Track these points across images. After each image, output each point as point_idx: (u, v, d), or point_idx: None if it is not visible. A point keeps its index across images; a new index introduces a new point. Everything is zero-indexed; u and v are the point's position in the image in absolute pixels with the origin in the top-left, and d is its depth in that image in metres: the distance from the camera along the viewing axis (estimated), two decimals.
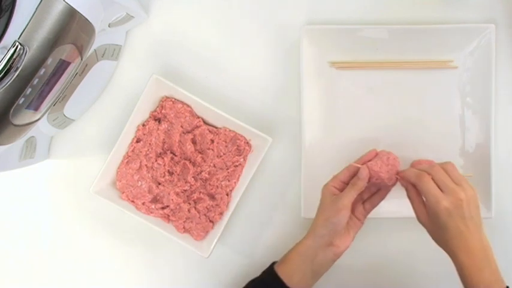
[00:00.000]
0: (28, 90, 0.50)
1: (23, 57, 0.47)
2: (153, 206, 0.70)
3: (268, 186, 0.73)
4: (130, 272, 0.75)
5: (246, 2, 0.72)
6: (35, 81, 0.50)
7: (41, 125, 0.65)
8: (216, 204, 0.70)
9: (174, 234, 0.69)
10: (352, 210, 0.65)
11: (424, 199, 0.59)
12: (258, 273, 0.68)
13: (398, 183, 0.65)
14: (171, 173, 0.70)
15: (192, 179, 0.70)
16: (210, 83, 0.73)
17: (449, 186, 0.57)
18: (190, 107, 0.71)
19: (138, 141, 0.71)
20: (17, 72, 0.48)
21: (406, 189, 0.62)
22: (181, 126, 0.71)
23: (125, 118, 0.69)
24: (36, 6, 0.48)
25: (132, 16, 0.67)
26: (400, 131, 0.71)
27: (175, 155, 0.71)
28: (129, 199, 0.70)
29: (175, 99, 0.70)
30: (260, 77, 0.73)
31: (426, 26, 0.69)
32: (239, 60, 0.73)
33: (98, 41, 0.63)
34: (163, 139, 0.71)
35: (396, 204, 0.69)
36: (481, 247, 0.57)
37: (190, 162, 0.71)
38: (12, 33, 0.47)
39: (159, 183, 0.70)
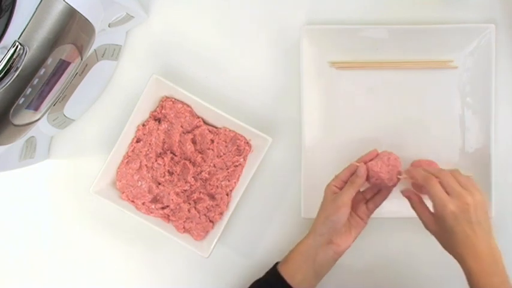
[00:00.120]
0: (28, 90, 0.50)
1: (23, 57, 0.47)
2: (153, 206, 0.70)
3: (268, 186, 0.73)
4: (130, 272, 0.75)
5: (246, 2, 0.72)
6: (35, 81, 0.50)
7: (41, 125, 0.65)
8: (216, 204, 0.70)
9: (174, 234, 0.69)
10: (355, 210, 0.65)
11: (431, 202, 0.58)
12: (258, 273, 0.68)
13: (400, 183, 0.65)
14: (171, 173, 0.70)
15: (192, 179, 0.70)
16: (210, 83, 0.73)
17: (456, 190, 0.57)
18: (190, 107, 0.71)
19: (138, 141, 0.71)
20: (17, 72, 0.48)
21: (409, 199, 0.62)
22: (181, 126, 0.71)
23: (125, 118, 0.69)
24: (36, 6, 0.48)
25: (132, 16, 0.67)
26: (400, 131, 0.71)
27: (175, 155, 0.71)
28: (129, 199, 0.70)
29: (175, 99, 0.70)
30: (260, 77, 0.73)
31: (426, 26, 0.69)
32: (239, 60, 0.73)
33: (98, 41, 0.63)
34: (163, 139, 0.71)
35: (397, 204, 0.69)
36: (489, 252, 0.56)
37: (190, 162, 0.71)
38: (12, 33, 0.47)
39: (159, 183, 0.70)
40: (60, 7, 0.49)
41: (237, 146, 0.70)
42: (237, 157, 0.70)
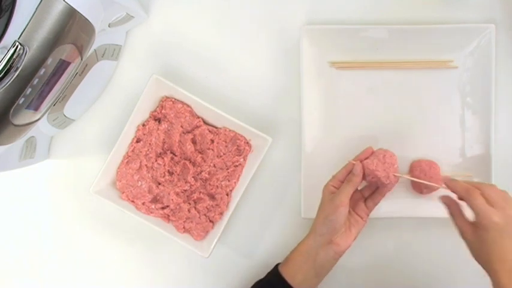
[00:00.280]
0: (28, 90, 0.50)
1: (23, 57, 0.47)
2: (153, 206, 0.70)
3: (268, 186, 0.73)
4: (130, 272, 0.75)
5: (246, 2, 0.72)
6: (35, 81, 0.50)
7: (41, 125, 0.65)
8: (216, 204, 0.70)
9: (174, 234, 0.69)
10: (354, 209, 0.65)
11: (474, 214, 0.58)
12: (258, 273, 0.68)
13: (403, 183, 0.65)
14: (171, 173, 0.70)
15: (192, 179, 0.70)
16: (210, 83, 0.73)
17: (499, 203, 0.57)
18: (190, 107, 0.71)
19: (138, 141, 0.71)
20: (17, 72, 0.48)
21: (448, 206, 0.62)
22: (181, 126, 0.71)
23: (125, 118, 0.69)
24: (36, 6, 0.48)
25: (132, 16, 0.67)
26: (400, 131, 0.71)
27: (175, 155, 0.71)
28: (129, 199, 0.70)
29: (175, 99, 0.70)
30: (260, 77, 0.73)
31: (426, 26, 0.69)
32: (239, 60, 0.73)
33: (98, 41, 0.63)
34: (163, 139, 0.71)
35: (397, 204, 0.69)
36: None
37: (190, 162, 0.71)
38: (12, 33, 0.47)
39: (159, 183, 0.70)
40: (60, 7, 0.49)
41: (237, 146, 0.70)
42: (237, 157, 0.70)
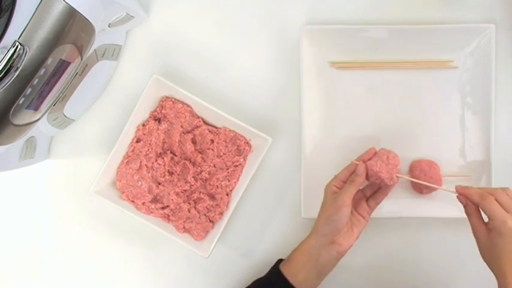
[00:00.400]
0: (28, 90, 0.50)
1: (23, 57, 0.47)
2: (153, 206, 0.70)
3: (268, 186, 0.73)
4: (130, 272, 0.75)
5: (246, 2, 0.72)
6: (35, 81, 0.50)
7: (41, 125, 0.65)
8: (216, 204, 0.70)
9: (174, 234, 0.69)
10: (356, 208, 0.65)
11: (488, 218, 0.58)
12: (258, 273, 0.68)
13: (403, 183, 0.64)
14: (171, 173, 0.70)
15: (192, 179, 0.70)
16: (210, 83, 0.73)
17: None
18: (190, 107, 0.71)
19: (138, 141, 0.71)
20: (17, 72, 0.48)
21: (465, 207, 0.62)
22: (181, 126, 0.71)
23: (125, 118, 0.69)
24: (36, 6, 0.48)
25: (132, 16, 0.67)
26: (400, 131, 0.71)
27: (175, 155, 0.71)
28: (129, 199, 0.70)
29: (175, 99, 0.70)
30: (260, 77, 0.73)
31: (426, 26, 0.69)
32: (239, 60, 0.73)
33: (98, 41, 0.63)
34: (163, 139, 0.71)
35: (398, 204, 0.69)
36: None
37: (190, 162, 0.71)
38: (12, 33, 0.47)
39: (159, 183, 0.70)
40: (60, 7, 0.49)
41: (237, 146, 0.70)
42: (237, 157, 0.70)
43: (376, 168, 0.63)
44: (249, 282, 0.68)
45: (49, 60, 0.50)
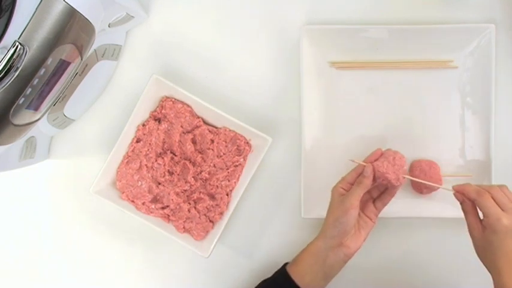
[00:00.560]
0: (28, 90, 0.50)
1: (23, 57, 0.47)
2: (153, 206, 0.70)
3: (268, 186, 0.73)
4: (130, 272, 0.75)
5: (246, 2, 0.72)
6: (35, 81, 0.50)
7: (41, 125, 0.65)
8: (216, 204, 0.70)
9: (174, 234, 0.69)
10: (363, 210, 0.65)
11: (483, 215, 0.59)
12: (258, 273, 0.68)
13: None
14: (171, 173, 0.70)
15: (192, 179, 0.70)
16: (210, 83, 0.73)
17: (508, 206, 0.57)
18: (190, 107, 0.71)
19: (138, 141, 0.71)
20: (17, 72, 0.48)
21: (462, 203, 0.62)
22: (181, 126, 0.71)
23: (125, 118, 0.69)
24: (36, 6, 0.48)
25: (132, 16, 0.67)
26: (400, 131, 0.71)
27: (175, 155, 0.71)
28: (129, 199, 0.70)
29: (175, 99, 0.70)
30: (260, 77, 0.73)
31: (426, 26, 0.69)
32: (239, 60, 0.73)
33: (98, 41, 0.63)
34: (163, 139, 0.71)
35: (398, 204, 0.69)
36: None
37: (190, 162, 0.71)
38: (12, 33, 0.47)
39: (159, 183, 0.70)
40: (60, 7, 0.49)
41: (237, 146, 0.70)
42: (237, 157, 0.70)
43: (382, 169, 0.63)
44: (249, 282, 0.68)
45: (49, 60, 0.50)
